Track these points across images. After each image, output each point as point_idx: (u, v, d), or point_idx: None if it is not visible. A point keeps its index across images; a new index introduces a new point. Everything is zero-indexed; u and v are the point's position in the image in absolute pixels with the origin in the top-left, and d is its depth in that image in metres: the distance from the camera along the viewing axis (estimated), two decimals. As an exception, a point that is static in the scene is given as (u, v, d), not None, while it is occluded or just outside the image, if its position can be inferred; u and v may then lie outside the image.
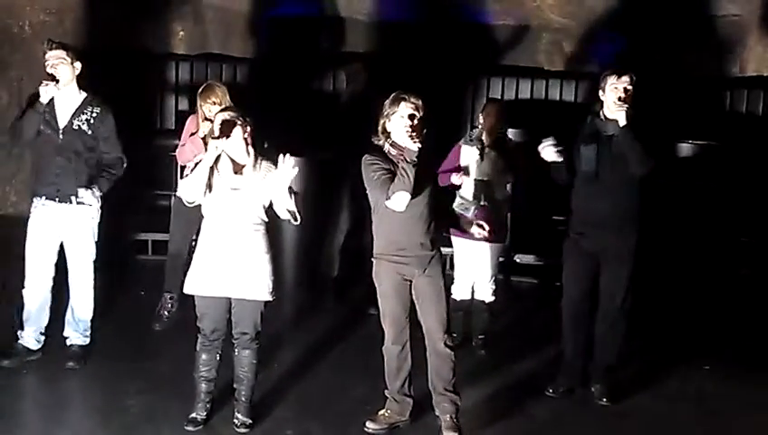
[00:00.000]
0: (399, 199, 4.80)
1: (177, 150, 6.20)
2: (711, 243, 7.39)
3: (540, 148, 5.37)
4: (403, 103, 4.85)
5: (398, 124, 4.84)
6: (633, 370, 5.94)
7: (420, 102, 4.88)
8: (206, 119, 5.91)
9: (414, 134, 4.76)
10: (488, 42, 8.53)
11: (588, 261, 5.46)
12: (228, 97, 5.98)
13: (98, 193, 5.61)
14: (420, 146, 4.76)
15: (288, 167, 4.71)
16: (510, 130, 7.79)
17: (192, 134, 6.07)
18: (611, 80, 5.33)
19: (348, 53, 8.49)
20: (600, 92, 5.40)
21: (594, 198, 5.37)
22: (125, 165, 5.71)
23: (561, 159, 5.34)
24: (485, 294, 6.12)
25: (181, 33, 8.73)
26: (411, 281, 4.96)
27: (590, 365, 5.60)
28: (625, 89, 5.30)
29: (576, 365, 5.61)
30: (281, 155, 4.73)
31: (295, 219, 4.85)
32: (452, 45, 8.44)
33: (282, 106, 8.26)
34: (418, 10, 8.49)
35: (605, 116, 5.38)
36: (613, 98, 5.30)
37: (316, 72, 8.55)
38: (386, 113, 4.89)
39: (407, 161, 4.75)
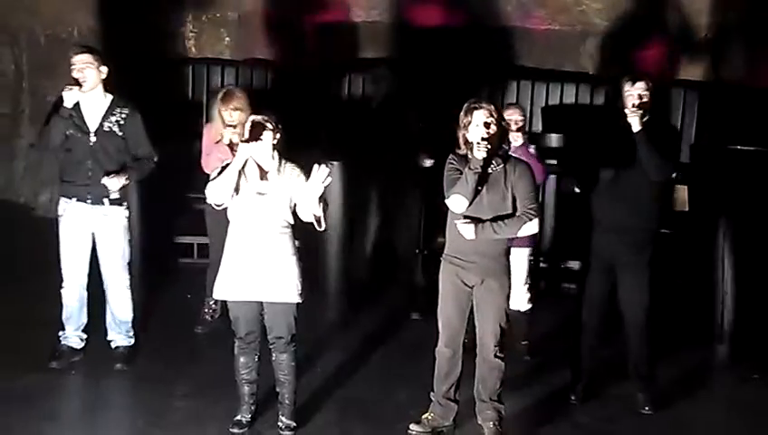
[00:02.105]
0: (456, 202, 4.84)
1: (203, 161, 6.18)
2: (760, 249, 7.28)
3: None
4: (476, 112, 4.86)
5: (476, 133, 4.85)
6: (681, 378, 5.88)
7: (493, 107, 4.89)
8: (229, 125, 5.97)
9: (481, 142, 4.76)
10: (532, 46, 8.49)
11: (606, 267, 5.45)
12: (248, 102, 6.01)
13: (124, 181, 5.61)
14: (485, 154, 4.76)
15: (321, 177, 4.75)
16: (554, 135, 7.81)
17: (217, 142, 6.09)
18: (626, 87, 5.37)
19: (382, 59, 8.51)
20: (620, 99, 5.41)
21: (614, 204, 5.37)
22: (155, 160, 5.75)
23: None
24: (521, 302, 6.05)
25: (227, 39, 8.81)
26: (472, 288, 4.96)
27: (622, 378, 5.58)
28: (639, 95, 5.31)
29: (587, 368, 5.59)
30: (315, 165, 4.78)
31: (320, 226, 4.88)
32: (495, 50, 8.41)
33: (322, 111, 8.31)
34: (462, 14, 8.47)
35: (625, 122, 5.37)
36: (628, 105, 5.32)
37: (358, 77, 8.56)
38: (462, 125, 4.91)
39: (470, 168, 4.78)
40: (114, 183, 5.59)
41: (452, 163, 4.92)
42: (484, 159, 4.77)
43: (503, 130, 4.93)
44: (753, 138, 7.73)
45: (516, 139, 5.99)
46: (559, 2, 8.42)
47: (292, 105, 7.77)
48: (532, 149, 6.20)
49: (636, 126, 5.29)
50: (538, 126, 8.30)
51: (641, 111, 5.28)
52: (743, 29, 8.14)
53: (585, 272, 5.57)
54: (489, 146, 4.77)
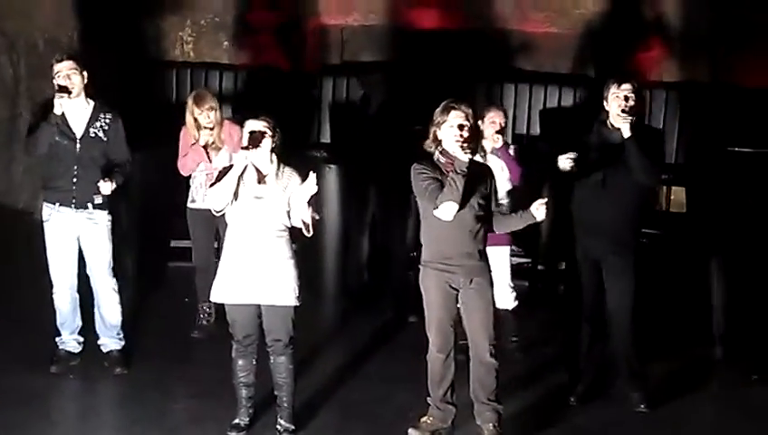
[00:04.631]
0: (447, 209, 4.80)
1: (179, 163, 6.24)
2: (759, 250, 7.28)
3: (559, 158, 5.32)
4: (453, 112, 4.86)
5: (448, 133, 4.84)
6: (680, 378, 5.89)
7: (471, 111, 4.89)
8: (206, 127, 6.09)
9: (465, 145, 4.75)
10: (532, 50, 8.50)
11: (595, 267, 5.44)
12: (218, 101, 6.18)
13: (114, 185, 5.61)
14: (471, 156, 4.76)
15: (311, 183, 4.78)
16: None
17: (193, 144, 6.14)
18: (613, 88, 5.31)
19: (378, 63, 8.51)
20: (605, 102, 5.37)
21: (600, 207, 5.33)
22: (130, 165, 5.78)
23: (570, 169, 5.29)
24: (507, 301, 6.03)
25: (225, 43, 8.82)
26: (458, 290, 4.95)
27: (618, 378, 5.57)
28: (626, 97, 5.26)
29: (590, 368, 5.57)
30: (311, 172, 4.80)
31: (307, 232, 4.89)
32: (493, 53, 8.42)
33: (317, 115, 8.33)
34: (460, 17, 8.49)
35: (611, 125, 5.34)
36: (616, 108, 5.28)
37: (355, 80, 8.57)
38: (436, 121, 4.90)
39: (456, 171, 4.76)
40: (107, 187, 5.59)
41: (424, 172, 4.87)
42: (470, 160, 4.75)
43: (478, 133, 4.92)
44: (749, 139, 7.74)
45: (496, 140, 6.01)
46: (558, 5, 8.43)
47: (289, 109, 7.80)
48: (511, 151, 6.16)
49: (626, 132, 5.22)
50: (536, 129, 8.30)
51: (631, 117, 5.22)
52: (738, 29, 8.15)
53: (574, 272, 5.54)
54: (470, 147, 4.75)
